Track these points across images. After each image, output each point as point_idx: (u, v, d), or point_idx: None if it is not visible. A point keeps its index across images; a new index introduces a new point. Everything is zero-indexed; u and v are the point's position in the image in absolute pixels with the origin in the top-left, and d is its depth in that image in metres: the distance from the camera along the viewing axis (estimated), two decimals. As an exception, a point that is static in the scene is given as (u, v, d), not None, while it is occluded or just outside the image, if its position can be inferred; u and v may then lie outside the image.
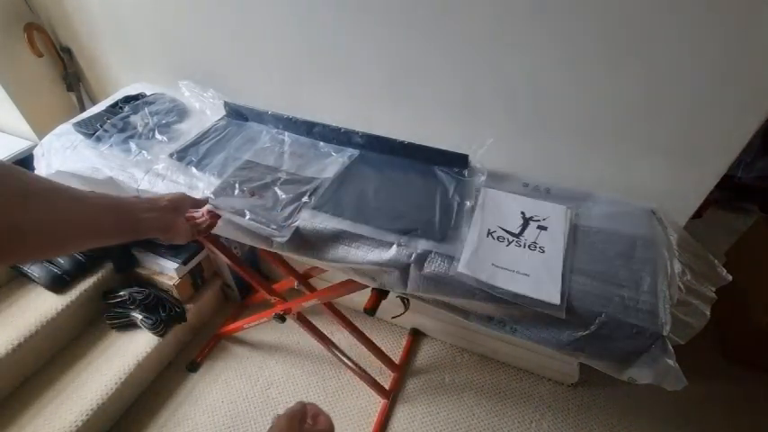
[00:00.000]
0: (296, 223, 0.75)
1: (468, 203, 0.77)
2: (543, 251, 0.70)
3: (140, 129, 0.97)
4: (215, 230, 0.80)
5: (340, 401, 1.43)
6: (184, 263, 1.41)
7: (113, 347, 1.39)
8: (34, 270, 1.34)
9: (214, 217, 0.77)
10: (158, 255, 1.42)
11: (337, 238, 0.74)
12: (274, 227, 0.74)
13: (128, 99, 1.08)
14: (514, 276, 0.66)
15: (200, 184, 0.83)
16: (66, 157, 0.93)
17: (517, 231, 0.74)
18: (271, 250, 0.80)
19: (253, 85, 1.13)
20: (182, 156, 0.89)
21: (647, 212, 0.78)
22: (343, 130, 0.91)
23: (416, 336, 1.63)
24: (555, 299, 0.63)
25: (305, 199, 0.78)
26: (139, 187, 0.85)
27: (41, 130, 1.32)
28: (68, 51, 1.32)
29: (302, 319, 1.17)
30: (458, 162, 0.84)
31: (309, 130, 0.93)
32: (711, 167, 0.80)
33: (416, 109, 0.98)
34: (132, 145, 0.91)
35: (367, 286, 0.81)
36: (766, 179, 1.81)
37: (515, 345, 1.46)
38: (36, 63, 1.29)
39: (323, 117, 0.93)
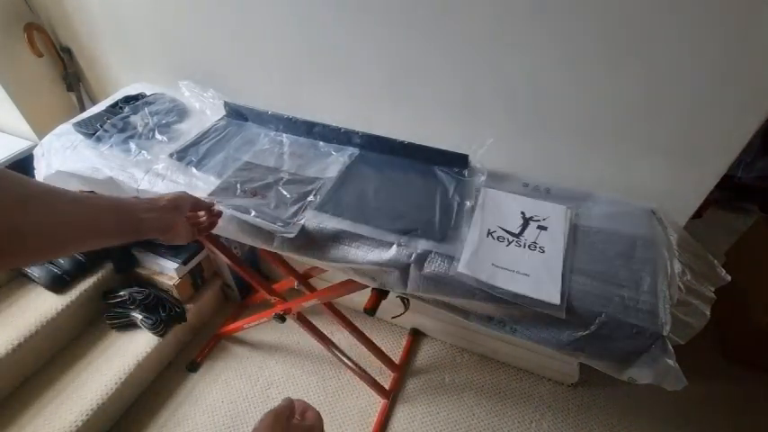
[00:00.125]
0: (302, 221, 0.75)
1: (468, 203, 0.77)
2: (543, 251, 0.70)
3: (140, 129, 0.97)
4: (216, 230, 0.80)
5: (340, 401, 1.43)
6: (184, 263, 1.41)
7: (113, 347, 1.39)
8: (34, 270, 1.35)
9: (214, 216, 0.77)
10: (158, 255, 1.42)
11: (337, 237, 0.74)
12: (280, 224, 0.74)
13: (128, 99, 1.08)
14: (514, 276, 0.67)
15: (201, 184, 0.83)
16: (66, 157, 0.93)
17: (517, 231, 0.74)
18: (271, 250, 0.80)
19: (253, 85, 1.13)
20: (182, 156, 0.89)
21: (647, 212, 0.78)
22: (343, 130, 0.91)
23: (416, 336, 1.63)
24: (555, 299, 0.63)
25: (310, 198, 0.78)
26: (139, 187, 0.85)
27: (41, 130, 1.32)
28: (68, 51, 1.32)
29: (302, 319, 1.17)
30: (458, 162, 0.84)
31: (309, 130, 0.93)
32: (711, 167, 0.80)
33: (416, 109, 0.98)
34: (132, 145, 0.91)
35: (367, 286, 0.81)
36: (766, 179, 1.81)
37: (515, 345, 1.46)
38: (36, 63, 1.29)
39: (323, 117, 0.93)
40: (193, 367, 1.50)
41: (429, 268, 0.69)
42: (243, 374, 1.49)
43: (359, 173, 0.85)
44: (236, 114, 1.01)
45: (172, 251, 1.42)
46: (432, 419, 1.40)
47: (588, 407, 1.44)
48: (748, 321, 1.49)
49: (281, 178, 0.82)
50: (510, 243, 0.72)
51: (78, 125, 0.97)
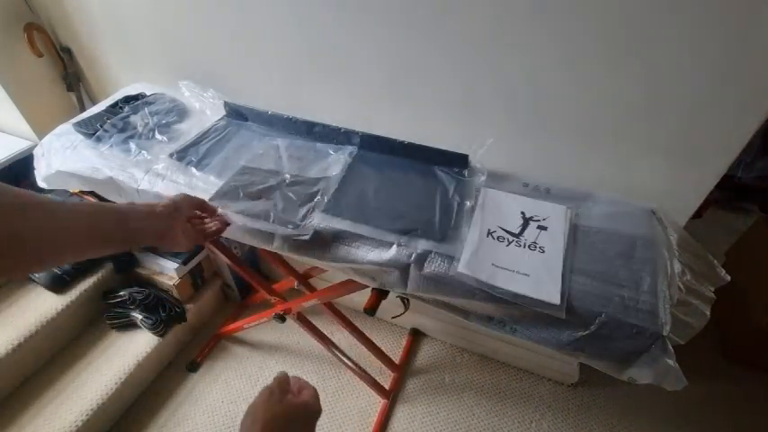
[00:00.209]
0: (314, 222, 0.74)
1: (468, 203, 0.77)
2: (543, 251, 0.70)
3: (140, 129, 0.97)
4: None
5: (340, 401, 1.43)
6: (184, 263, 1.42)
7: (113, 347, 1.39)
8: (34, 270, 1.35)
9: (223, 223, 0.74)
10: (158, 255, 1.42)
11: (337, 237, 0.74)
12: (291, 226, 0.73)
13: (128, 99, 1.08)
14: (514, 276, 0.67)
15: (201, 184, 0.83)
16: (66, 157, 0.93)
17: (517, 231, 0.74)
18: (271, 250, 0.80)
19: (253, 85, 1.13)
20: (182, 156, 0.89)
21: (647, 212, 0.78)
22: (343, 130, 0.91)
23: (416, 336, 1.63)
24: (555, 299, 0.63)
25: (317, 198, 0.78)
26: (139, 187, 0.85)
27: (41, 130, 1.32)
28: (68, 51, 1.32)
29: (302, 319, 1.17)
30: (458, 162, 0.84)
31: (309, 130, 0.93)
32: (711, 167, 0.80)
33: (416, 109, 0.98)
34: (132, 145, 0.91)
35: (367, 286, 0.81)
36: (766, 179, 1.81)
37: (515, 345, 1.46)
38: (36, 63, 1.29)
39: (323, 117, 0.93)
40: (193, 367, 1.50)
41: (429, 268, 0.69)
42: (243, 374, 1.49)
43: (359, 173, 0.85)
44: (236, 114, 1.01)
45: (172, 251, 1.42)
46: (432, 419, 1.40)
47: (588, 407, 1.44)
48: (748, 321, 1.49)
49: (284, 180, 0.81)
50: (510, 243, 0.72)
51: (78, 125, 0.97)
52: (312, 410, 0.51)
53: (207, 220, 0.73)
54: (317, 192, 0.79)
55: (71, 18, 1.23)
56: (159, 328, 1.37)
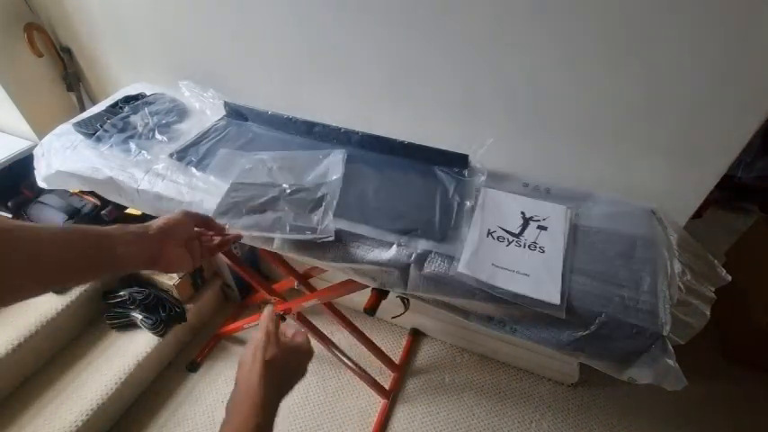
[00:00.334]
0: (330, 223, 0.73)
1: (468, 203, 0.77)
2: (543, 251, 0.70)
3: (140, 129, 0.96)
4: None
5: (340, 401, 1.43)
6: (184, 263, 1.41)
7: (113, 347, 1.39)
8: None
9: (226, 237, 0.70)
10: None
11: (337, 237, 0.74)
12: (309, 232, 0.73)
13: (128, 99, 1.08)
14: (514, 276, 0.66)
15: (200, 184, 0.83)
16: (66, 157, 0.93)
17: (517, 231, 0.74)
18: (271, 250, 0.80)
19: (253, 85, 1.12)
20: (182, 156, 0.89)
21: (647, 212, 0.78)
22: (343, 130, 0.91)
23: (416, 336, 1.63)
24: (555, 299, 0.63)
25: (326, 201, 0.77)
26: (139, 187, 0.85)
27: (41, 130, 1.32)
28: (68, 51, 1.32)
29: (302, 319, 1.17)
30: (458, 162, 0.84)
31: (309, 130, 0.93)
32: (711, 167, 0.80)
33: (416, 109, 0.97)
34: (132, 145, 0.91)
35: (367, 286, 0.81)
36: (766, 179, 1.81)
37: (515, 345, 1.46)
38: (36, 63, 1.29)
39: (323, 117, 0.93)
40: (193, 367, 1.50)
41: (429, 268, 0.69)
42: (243, 374, 1.49)
43: (359, 173, 0.85)
44: (236, 114, 1.01)
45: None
46: (432, 419, 1.40)
47: (588, 407, 1.44)
48: (748, 321, 1.49)
49: (284, 191, 0.79)
50: (510, 243, 0.72)
51: (78, 125, 0.97)
52: (305, 352, 0.56)
53: (215, 238, 0.69)
54: (322, 197, 0.78)
55: (71, 18, 1.23)
56: (159, 328, 1.37)
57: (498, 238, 0.72)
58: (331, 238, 0.72)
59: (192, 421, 1.36)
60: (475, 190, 0.80)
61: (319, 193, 0.78)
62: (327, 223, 0.73)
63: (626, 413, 1.41)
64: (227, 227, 0.72)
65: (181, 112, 1.04)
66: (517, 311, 0.67)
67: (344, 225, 0.74)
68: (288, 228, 0.74)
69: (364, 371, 1.34)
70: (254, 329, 0.53)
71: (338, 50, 0.95)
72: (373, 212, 0.76)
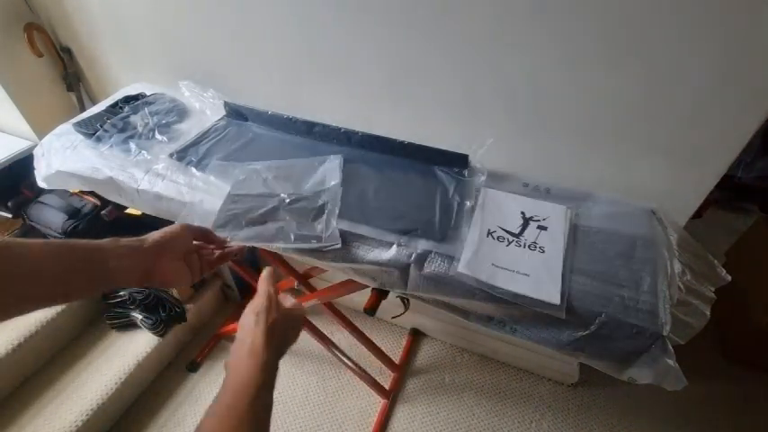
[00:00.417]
0: (334, 229, 0.73)
1: (468, 203, 0.77)
2: (543, 251, 0.70)
3: (140, 129, 0.96)
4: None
5: (340, 401, 1.43)
6: (184, 263, 1.41)
7: (113, 347, 1.39)
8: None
9: (226, 257, 0.68)
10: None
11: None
12: (315, 241, 0.72)
13: (128, 99, 1.08)
14: (514, 276, 0.66)
15: (200, 184, 0.83)
16: (66, 157, 0.93)
17: (517, 231, 0.74)
18: (271, 250, 0.80)
19: (253, 85, 1.13)
20: (182, 156, 0.89)
21: (647, 212, 0.78)
22: (343, 130, 0.91)
23: (416, 336, 1.63)
24: (555, 299, 0.63)
25: (328, 209, 0.76)
26: (139, 187, 0.85)
27: (41, 130, 1.32)
28: (68, 51, 1.32)
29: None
30: (458, 162, 0.84)
31: (309, 130, 0.93)
32: (711, 167, 0.80)
33: (416, 109, 0.98)
34: (132, 145, 0.91)
35: (367, 286, 0.81)
36: (766, 179, 1.81)
37: (515, 345, 1.46)
38: (36, 63, 1.29)
39: (323, 117, 0.93)
40: (193, 367, 1.50)
41: (429, 268, 0.69)
42: (243, 374, 1.49)
43: (359, 173, 0.84)
44: (236, 114, 1.01)
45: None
46: (432, 419, 1.40)
47: (588, 407, 1.44)
48: (748, 321, 1.49)
49: (284, 200, 0.78)
50: (510, 243, 0.72)
51: (78, 125, 0.97)
52: (300, 316, 0.58)
53: (216, 251, 0.67)
54: (323, 204, 0.77)
55: (71, 18, 1.23)
56: (159, 328, 1.37)
57: (498, 238, 0.72)
58: (338, 246, 0.72)
59: (192, 421, 1.36)
60: (475, 190, 0.80)
61: (320, 201, 0.77)
62: (332, 230, 0.72)
63: (626, 413, 1.41)
64: (228, 239, 0.71)
65: (181, 112, 1.05)
66: (517, 311, 0.67)
67: (345, 225, 0.74)
68: (292, 237, 0.73)
69: (364, 371, 1.34)
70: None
71: (338, 50, 0.95)
72: (373, 212, 0.76)
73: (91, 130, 0.96)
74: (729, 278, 0.66)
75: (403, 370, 1.52)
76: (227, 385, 0.46)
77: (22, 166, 1.31)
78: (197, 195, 0.81)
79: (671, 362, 0.60)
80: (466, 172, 0.83)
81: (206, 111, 1.03)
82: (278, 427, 1.36)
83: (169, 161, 0.88)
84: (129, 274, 0.53)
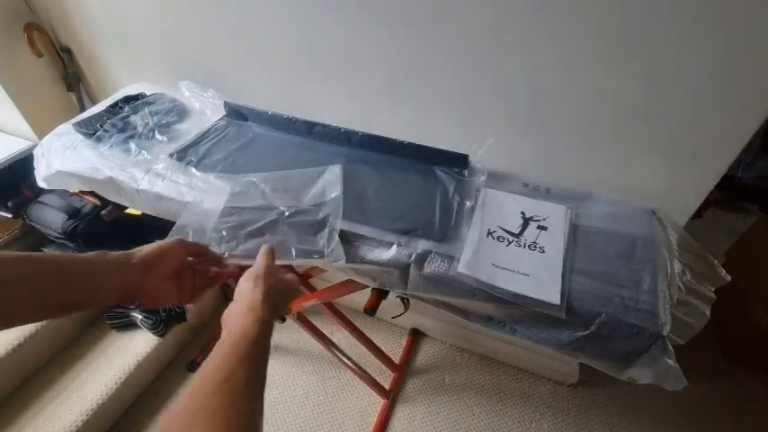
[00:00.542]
0: (338, 246, 0.71)
1: (468, 203, 0.77)
2: (543, 251, 0.70)
3: (140, 129, 0.96)
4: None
5: (340, 401, 1.43)
6: (184, 263, 1.41)
7: (113, 347, 1.39)
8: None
9: (223, 277, 0.66)
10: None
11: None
12: (317, 256, 0.71)
13: (128, 99, 1.08)
14: (514, 276, 0.66)
15: (200, 184, 0.83)
16: (66, 157, 0.93)
17: (517, 231, 0.74)
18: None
19: (253, 85, 1.13)
20: (182, 156, 0.89)
21: (647, 212, 0.78)
22: (343, 130, 0.91)
23: (416, 336, 1.63)
24: (555, 299, 0.63)
25: (330, 222, 0.74)
26: (139, 187, 0.85)
27: (41, 130, 1.32)
28: (68, 51, 1.32)
29: (302, 319, 1.17)
30: (458, 162, 0.84)
31: (309, 129, 0.93)
32: (711, 167, 0.80)
33: (416, 109, 0.98)
34: (132, 145, 0.91)
35: (367, 286, 0.81)
36: (766, 179, 1.81)
37: (515, 345, 1.46)
38: (36, 63, 1.29)
39: (323, 117, 0.93)
40: (193, 367, 1.50)
41: (429, 268, 0.69)
42: (243, 374, 1.49)
43: (359, 173, 0.84)
44: (236, 114, 1.01)
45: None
46: (432, 419, 1.40)
47: (588, 407, 1.44)
48: (748, 321, 1.49)
49: (283, 213, 0.76)
50: (510, 243, 0.72)
51: (78, 125, 0.97)
52: (295, 286, 0.62)
53: (212, 269, 0.64)
54: (325, 217, 0.75)
55: (71, 18, 1.23)
56: (159, 327, 1.37)
57: (498, 238, 0.72)
58: (342, 263, 0.71)
59: (191, 421, 1.36)
60: (475, 190, 0.80)
61: (321, 215, 0.75)
62: (335, 245, 0.71)
63: (626, 413, 1.41)
64: (225, 255, 0.67)
65: (181, 112, 1.05)
66: (517, 311, 0.67)
67: (345, 225, 0.74)
68: (293, 252, 0.71)
69: (364, 371, 1.34)
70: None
71: (338, 50, 0.95)
72: (373, 212, 0.76)
73: (91, 130, 0.96)
74: (729, 278, 0.66)
75: (403, 370, 1.52)
76: (225, 336, 0.47)
77: (22, 166, 1.31)
78: (197, 195, 0.82)
79: (671, 362, 0.60)
80: (466, 172, 0.83)
81: (206, 111, 1.03)
82: (278, 427, 1.36)
83: (169, 161, 0.88)
84: (112, 291, 0.51)
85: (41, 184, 0.97)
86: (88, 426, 1.22)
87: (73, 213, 1.29)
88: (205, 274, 0.63)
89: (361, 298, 0.85)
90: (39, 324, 1.27)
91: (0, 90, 1.27)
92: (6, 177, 1.32)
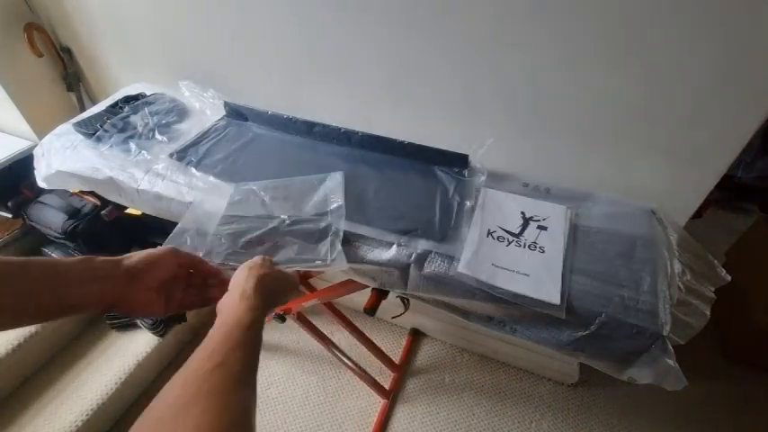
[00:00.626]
0: (341, 255, 0.70)
1: (468, 203, 0.77)
2: (543, 251, 0.70)
3: (140, 129, 0.97)
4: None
5: (340, 401, 1.43)
6: (184, 263, 1.41)
7: (113, 347, 1.39)
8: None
9: (218, 291, 0.58)
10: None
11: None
12: (320, 262, 0.71)
13: (128, 99, 1.08)
14: (514, 276, 0.66)
15: (200, 184, 0.83)
16: (66, 157, 0.93)
17: (517, 231, 0.74)
18: (271, 250, 0.80)
19: (253, 85, 1.13)
20: (182, 156, 0.89)
21: (647, 212, 0.78)
22: (343, 130, 0.91)
23: (416, 336, 1.63)
24: (555, 299, 0.63)
25: (332, 231, 0.73)
26: (139, 187, 0.85)
27: (41, 130, 1.32)
28: (68, 51, 1.32)
29: (302, 319, 1.17)
30: (458, 162, 0.84)
31: (309, 129, 0.93)
32: (711, 167, 0.80)
33: (416, 109, 0.98)
34: (132, 145, 0.91)
35: (367, 286, 0.81)
36: (766, 179, 1.81)
37: (515, 345, 1.46)
38: (36, 63, 1.29)
39: (323, 117, 0.93)
40: (193, 367, 1.49)
41: (429, 268, 0.69)
42: (243, 374, 1.49)
43: (359, 173, 0.84)
44: (236, 114, 1.01)
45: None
46: (432, 419, 1.40)
47: (588, 407, 1.44)
48: (748, 321, 1.49)
49: (283, 222, 0.74)
50: (510, 243, 0.72)
51: (78, 125, 0.97)
52: (292, 282, 0.60)
53: (210, 281, 0.60)
54: (327, 226, 0.74)
55: (71, 18, 1.23)
56: (159, 327, 1.37)
57: (498, 238, 0.72)
58: (345, 268, 0.71)
59: (192, 421, 1.36)
60: (475, 190, 0.80)
61: (323, 224, 0.74)
62: (338, 253, 0.70)
63: (626, 413, 1.41)
64: (223, 273, 0.62)
65: (181, 112, 1.05)
66: (517, 311, 0.67)
67: (345, 225, 0.74)
68: (295, 260, 0.70)
69: (364, 371, 1.34)
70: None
71: (338, 50, 0.95)
72: (373, 212, 0.76)
73: (91, 130, 0.96)
74: (729, 278, 0.66)
75: (403, 370, 1.52)
76: (218, 324, 0.48)
77: (22, 166, 1.31)
78: (197, 195, 0.82)
79: (671, 362, 0.60)
80: (466, 172, 0.83)
81: (206, 111, 1.03)
82: (278, 427, 1.36)
83: (169, 161, 0.88)
84: (92, 301, 0.49)
85: (41, 184, 0.97)
86: (88, 426, 1.22)
87: (73, 213, 1.29)
88: (198, 289, 0.59)
89: (361, 298, 0.85)
90: (39, 324, 1.26)
91: (0, 90, 1.27)
92: (6, 177, 1.32)
